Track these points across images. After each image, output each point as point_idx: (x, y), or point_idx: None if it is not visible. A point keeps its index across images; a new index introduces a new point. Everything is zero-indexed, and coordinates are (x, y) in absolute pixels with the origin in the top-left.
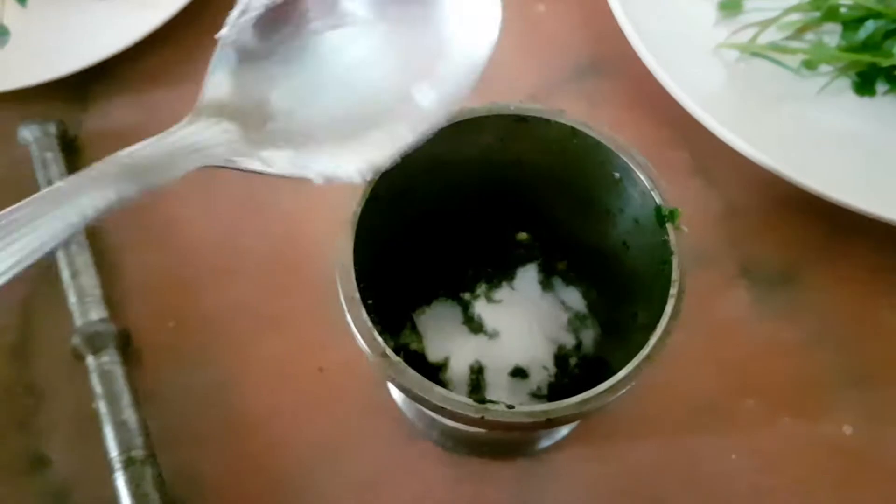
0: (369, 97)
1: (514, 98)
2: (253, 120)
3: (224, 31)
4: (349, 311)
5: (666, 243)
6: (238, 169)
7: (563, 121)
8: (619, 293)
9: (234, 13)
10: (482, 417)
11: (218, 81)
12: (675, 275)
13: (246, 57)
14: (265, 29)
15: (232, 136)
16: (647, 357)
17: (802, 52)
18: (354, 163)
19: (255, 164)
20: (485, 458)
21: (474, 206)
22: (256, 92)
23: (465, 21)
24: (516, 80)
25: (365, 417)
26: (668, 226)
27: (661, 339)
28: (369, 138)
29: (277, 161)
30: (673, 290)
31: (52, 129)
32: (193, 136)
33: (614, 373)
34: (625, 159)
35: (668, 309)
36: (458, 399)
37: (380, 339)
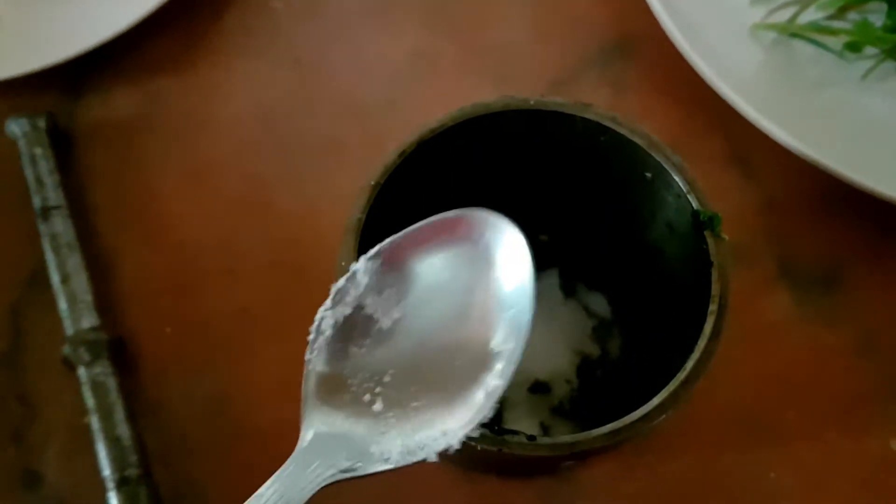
0: (451, 362)
1: (533, 84)
2: (352, 421)
3: (308, 356)
4: None
5: (704, 253)
6: (359, 477)
7: (589, 116)
8: (651, 301)
9: (311, 337)
10: (499, 450)
11: (313, 404)
12: (714, 290)
13: (333, 367)
14: (342, 341)
15: (341, 449)
16: (685, 381)
17: (845, 32)
18: (460, 428)
19: (375, 467)
20: (504, 477)
21: (491, 208)
22: (351, 398)
23: (505, 266)
24: (536, 65)
25: None
26: (707, 233)
27: (700, 361)
28: (466, 399)
29: (392, 453)
30: (713, 307)
31: (42, 122)
32: (308, 468)
33: (645, 388)
34: (658, 159)
35: (708, 328)
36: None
37: None
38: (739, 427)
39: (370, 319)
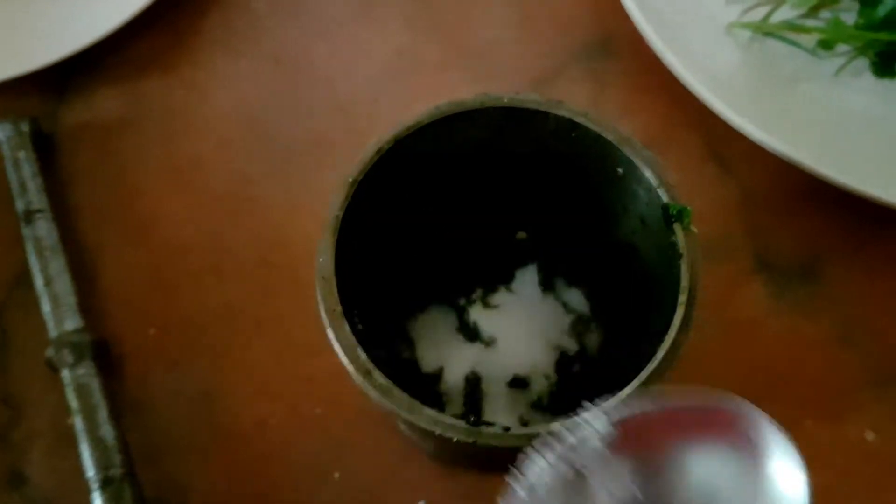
0: None
1: (516, 82)
2: None
3: None
4: (331, 325)
5: (674, 245)
6: None
7: (560, 112)
8: (627, 295)
9: (519, 491)
10: (474, 441)
11: None
12: (684, 280)
13: None
14: None
15: None
16: (656, 371)
17: (818, 31)
18: None
19: None
20: (485, 472)
21: (468, 206)
22: None
23: (771, 485)
24: (518, 61)
25: (357, 428)
26: (677, 226)
27: (670, 352)
28: None
29: None
30: (682, 298)
31: (25, 126)
32: None
33: (621, 381)
34: (628, 154)
35: (677, 319)
36: (449, 421)
37: (364, 356)
38: None
39: (587, 492)
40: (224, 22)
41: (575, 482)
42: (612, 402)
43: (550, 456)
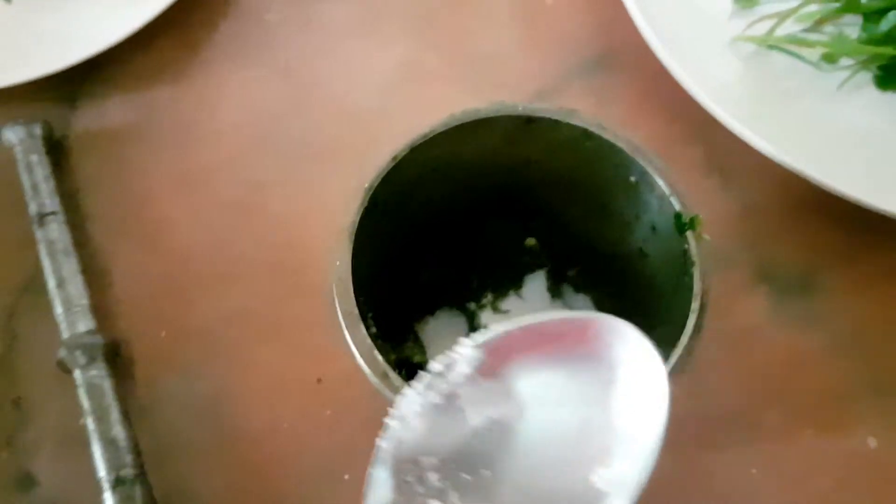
0: (544, 493)
1: (518, 94)
2: None
3: (382, 444)
4: (347, 328)
5: (686, 253)
6: None
7: (575, 122)
8: (636, 302)
9: (392, 423)
10: None
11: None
12: (696, 287)
13: (406, 466)
14: (423, 435)
15: None
16: (668, 376)
17: (822, 45)
18: None
19: None
20: None
21: (480, 212)
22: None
23: (630, 390)
24: (521, 76)
25: (367, 430)
26: (689, 234)
27: (682, 358)
28: None
29: None
30: (695, 305)
31: (38, 130)
32: None
33: None
34: (641, 163)
35: (690, 325)
36: None
37: (381, 357)
38: (720, 427)
39: (461, 415)
40: (235, 33)
41: (447, 406)
42: (480, 332)
43: (419, 386)
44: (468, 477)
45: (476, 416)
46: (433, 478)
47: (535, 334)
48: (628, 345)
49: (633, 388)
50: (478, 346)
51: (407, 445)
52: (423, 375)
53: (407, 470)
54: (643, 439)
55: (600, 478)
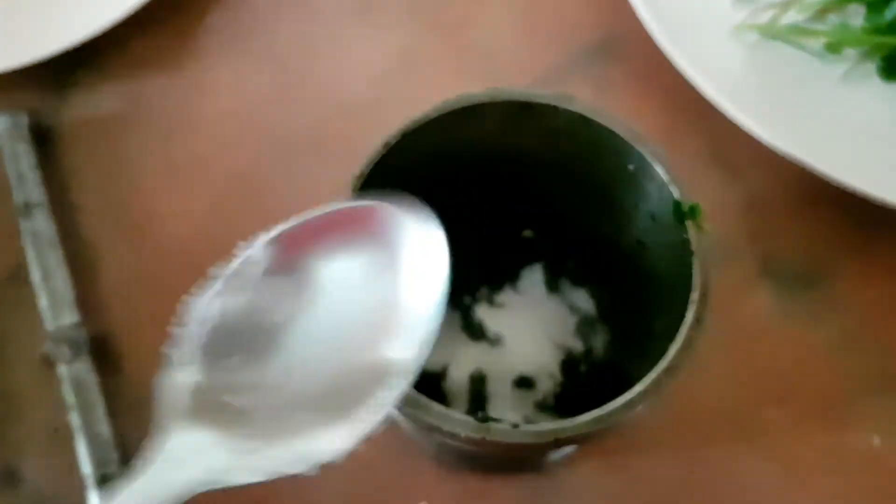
0: (340, 369)
1: (518, 83)
2: (223, 423)
3: (174, 351)
4: None
5: (686, 243)
6: (226, 486)
7: (572, 108)
8: (635, 295)
9: (182, 330)
10: (483, 438)
11: (174, 397)
12: (696, 279)
13: (205, 368)
14: (222, 337)
15: (207, 451)
16: (668, 369)
17: (825, 34)
18: (345, 439)
19: (243, 476)
20: (488, 474)
21: (474, 202)
22: (220, 394)
23: (413, 268)
24: (518, 65)
25: None
26: (689, 223)
27: (682, 350)
28: (354, 411)
29: (265, 463)
30: (694, 296)
31: (24, 119)
32: (168, 466)
33: (630, 382)
34: (640, 150)
35: (690, 316)
36: (457, 417)
37: None
38: (723, 424)
39: (257, 313)
40: (227, 20)
41: (244, 307)
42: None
43: (212, 289)
44: (269, 382)
45: (274, 317)
46: (229, 386)
47: (321, 223)
48: (409, 228)
49: (417, 266)
50: (270, 242)
51: (203, 351)
52: (215, 274)
53: (204, 380)
54: (424, 311)
55: (386, 350)
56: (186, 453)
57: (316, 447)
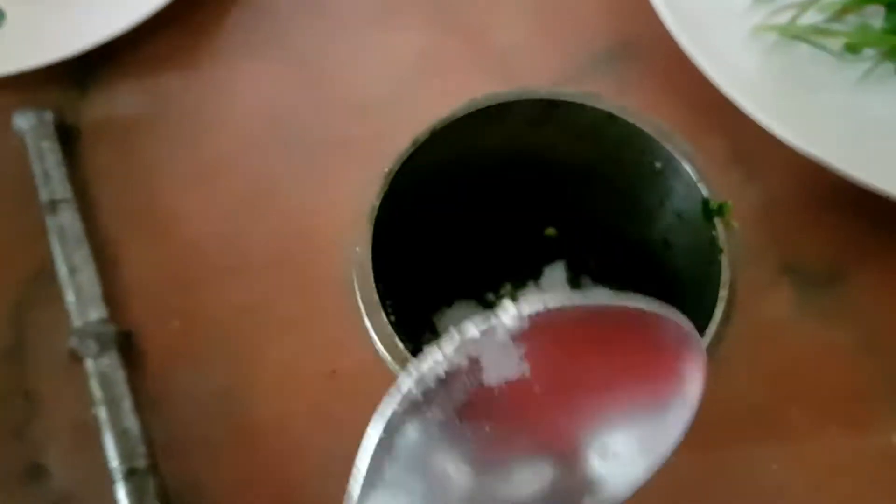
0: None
1: (538, 83)
2: None
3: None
4: (368, 315)
5: (714, 240)
6: None
7: (599, 106)
8: (657, 293)
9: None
10: None
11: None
12: (724, 276)
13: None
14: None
15: None
16: None
17: (844, 34)
18: None
19: None
20: None
21: (500, 200)
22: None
23: (668, 410)
24: (538, 66)
25: None
26: (717, 221)
27: (710, 346)
28: None
29: None
30: (723, 293)
31: (49, 116)
32: None
33: None
34: (668, 148)
35: (718, 313)
36: None
37: (402, 345)
38: (743, 423)
39: (482, 385)
40: (246, 21)
41: (469, 370)
42: (531, 298)
43: (448, 347)
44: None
45: (492, 376)
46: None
47: (588, 322)
48: (692, 363)
49: (674, 401)
50: (522, 318)
51: (417, 408)
52: (454, 336)
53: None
54: (651, 457)
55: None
56: None
57: None
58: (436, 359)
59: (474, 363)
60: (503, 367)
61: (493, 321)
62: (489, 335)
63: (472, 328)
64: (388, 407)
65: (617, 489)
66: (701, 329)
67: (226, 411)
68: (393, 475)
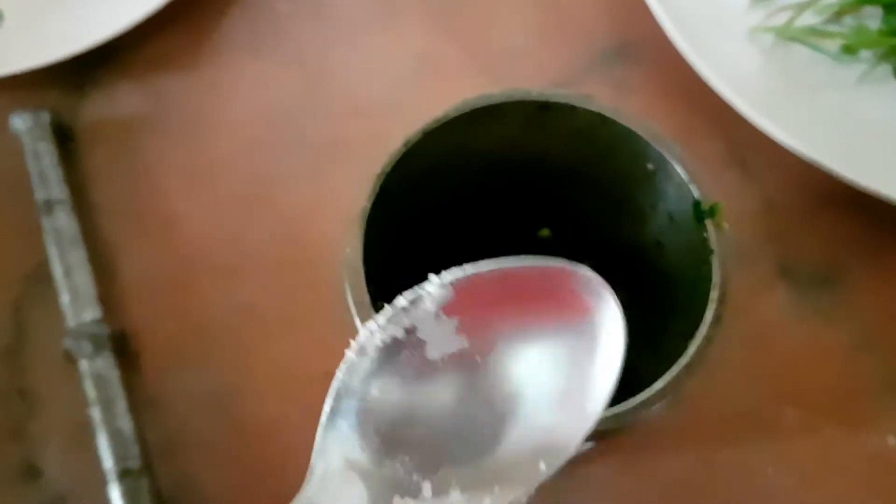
0: (500, 435)
1: (535, 85)
2: (380, 478)
3: (340, 376)
4: (359, 317)
5: (705, 242)
6: None
7: (590, 107)
8: (651, 295)
9: (350, 353)
10: None
11: (337, 436)
12: (715, 277)
13: (365, 405)
14: (383, 372)
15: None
16: (687, 367)
17: (841, 36)
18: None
19: None
20: None
21: (492, 201)
22: (380, 443)
23: (600, 347)
24: (537, 67)
25: None
26: (708, 222)
27: (701, 348)
28: (506, 478)
29: None
30: (714, 294)
31: (46, 117)
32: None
33: (645, 382)
34: (659, 150)
35: (709, 315)
36: None
37: None
38: (738, 424)
39: (421, 349)
40: (246, 23)
41: (406, 341)
42: (453, 270)
43: (382, 319)
44: (421, 416)
45: (435, 352)
46: (387, 412)
47: (505, 281)
48: (604, 309)
49: (603, 346)
50: (445, 285)
51: (365, 377)
52: (386, 309)
53: (363, 399)
54: (599, 394)
55: (551, 428)
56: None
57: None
58: (371, 328)
59: (412, 334)
60: (441, 341)
61: (420, 291)
62: (418, 304)
63: (402, 299)
64: (337, 375)
65: (539, 413)
66: (691, 331)
67: (221, 412)
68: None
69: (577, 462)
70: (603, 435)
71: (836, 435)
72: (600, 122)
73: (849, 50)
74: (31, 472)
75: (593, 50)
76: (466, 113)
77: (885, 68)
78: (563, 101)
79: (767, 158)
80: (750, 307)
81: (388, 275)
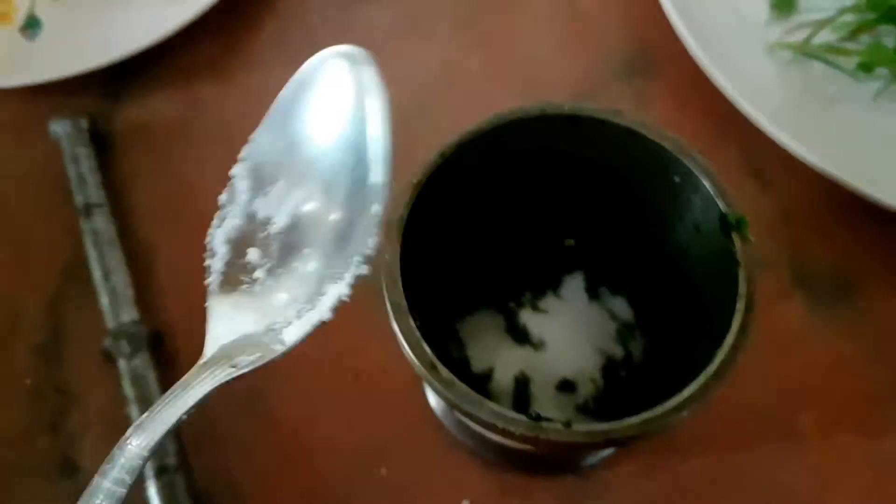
0: (332, 215)
1: (558, 96)
2: (250, 314)
3: (209, 280)
4: (396, 320)
5: (731, 254)
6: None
7: (620, 122)
8: (675, 304)
9: (208, 262)
10: (537, 436)
11: (215, 319)
12: (741, 288)
13: (231, 279)
14: (239, 254)
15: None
16: (715, 374)
17: (858, 53)
18: (347, 273)
19: (273, 353)
20: (527, 474)
21: (521, 211)
22: (245, 289)
23: (364, 105)
24: (560, 78)
25: (402, 424)
26: (734, 235)
27: (729, 356)
28: (349, 246)
29: (288, 333)
30: (740, 304)
31: (84, 123)
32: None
33: (670, 388)
34: (686, 163)
35: (736, 324)
36: (511, 415)
37: (428, 349)
38: (756, 429)
39: (266, 223)
40: (279, 32)
41: (251, 225)
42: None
43: (217, 221)
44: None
45: (281, 218)
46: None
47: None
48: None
49: (366, 104)
50: (243, 159)
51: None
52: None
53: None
54: (377, 134)
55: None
56: (228, 347)
57: (328, 290)
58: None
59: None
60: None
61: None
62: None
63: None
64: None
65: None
66: (719, 340)
67: (254, 410)
68: None
69: (598, 466)
70: (635, 439)
71: (852, 441)
72: (628, 136)
73: (865, 67)
74: (69, 467)
75: (614, 61)
76: (500, 125)
77: None
78: (593, 115)
79: (783, 169)
80: (766, 315)
81: (420, 280)
